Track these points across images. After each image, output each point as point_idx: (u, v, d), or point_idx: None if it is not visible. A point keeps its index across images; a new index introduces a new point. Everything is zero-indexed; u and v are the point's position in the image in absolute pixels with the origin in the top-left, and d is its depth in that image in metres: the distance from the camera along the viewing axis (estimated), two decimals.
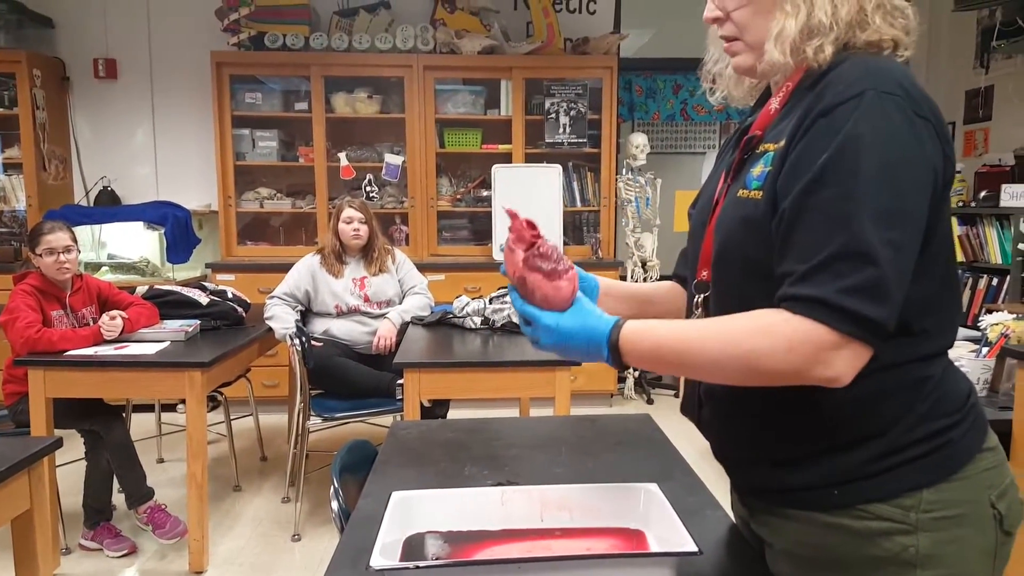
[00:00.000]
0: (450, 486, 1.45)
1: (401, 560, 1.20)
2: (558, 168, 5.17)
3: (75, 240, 3.25)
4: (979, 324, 2.64)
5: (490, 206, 5.27)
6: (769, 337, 0.97)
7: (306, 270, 3.81)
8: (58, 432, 3.02)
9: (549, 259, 1.13)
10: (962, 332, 2.77)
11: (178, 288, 3.73)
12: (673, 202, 5.57)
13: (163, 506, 3.25)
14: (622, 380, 5.55)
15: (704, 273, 1.17)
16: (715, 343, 1.02)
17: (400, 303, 3.89)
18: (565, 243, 5.37)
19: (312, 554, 3.22)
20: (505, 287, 1.21)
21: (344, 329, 3.77)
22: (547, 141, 5.30)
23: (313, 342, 3.59)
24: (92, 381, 3.05)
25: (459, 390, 3.11)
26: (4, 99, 5.10)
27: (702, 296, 1.18)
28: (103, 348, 3.13)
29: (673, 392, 5.70)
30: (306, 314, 3.85)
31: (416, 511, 1.34)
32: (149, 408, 4.50)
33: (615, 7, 5.66)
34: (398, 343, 3.53)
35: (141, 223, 5.04)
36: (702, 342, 1.03)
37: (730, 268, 1.12)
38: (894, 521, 1.04)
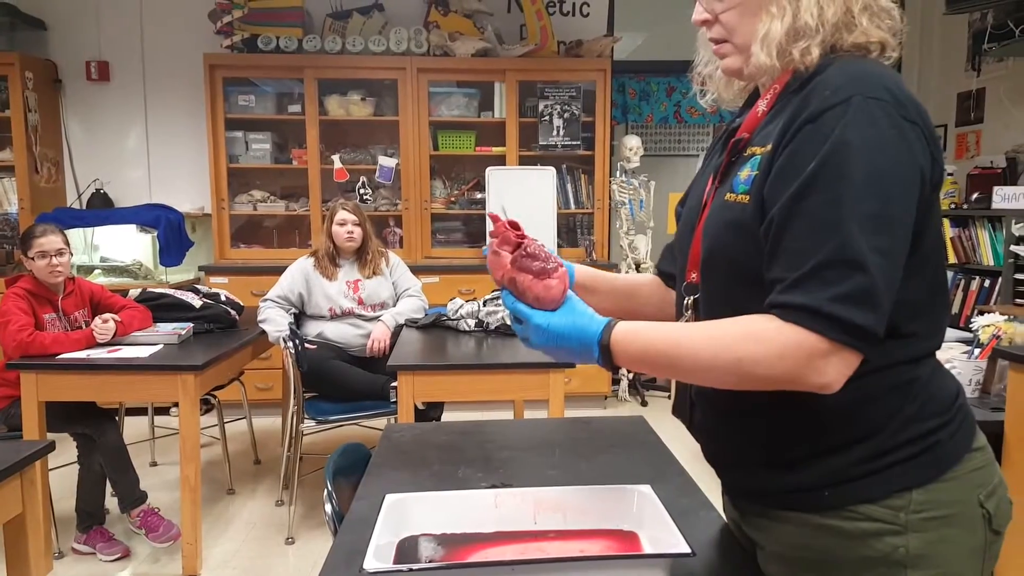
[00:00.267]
0: (444, 488, 1.45)
1: (395, 563, 1.20)
2: (552, 170, 5.17)
3: (67, 243, 3.25)
4: (971, 326, 2.64)
5: (484, 208, 5.27)
6: (761, 344, 0.97)
7: (300, 273, 3.81)
8: (51, 436, 3.01)
9: (538, 259, 1.12)
10: (954, 334, 2.78)
11: (171, 291, 3.72)
12: (667, 204, 5.58)
13: (156, 510, 3.24)
14: (616, 382, 5.56)
15: (693, 275, 1.18)
16: (706, 348, 1.02)
17: (394, 306, 3.89)
18: (559, 245, 5.38)
19: (306, 557, 3.21)
20: (499, 289, 1.19)
21: (338, 332, 3.76)
22: (541, 143, 5.31)
23: (307, 345, 3.58)
24: (85, 384, 3.04)
25: (453, 392, 3.11)
26: None
27: (692, 298, 1.19)
28: (96, 351, 3.13)
29: (667, 394, 5.70)
30: (300, 317, 3.84)
31: (410, 514, 1.34)
32: (142, 411, 4.49)
33: (608, 10, 5.67)
34: (392, 345, 3.53)
35: (134, 226, 5.04)
36: (693, 346, 1.03)
37: (718, 271, 1.12)
38: (884, 522, 1.05)
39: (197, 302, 3.63)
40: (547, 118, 5.28)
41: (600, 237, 5.44)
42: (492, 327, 3.43)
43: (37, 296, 3.17)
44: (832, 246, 0.94)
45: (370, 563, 1.15)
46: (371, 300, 3.83)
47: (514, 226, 1.16)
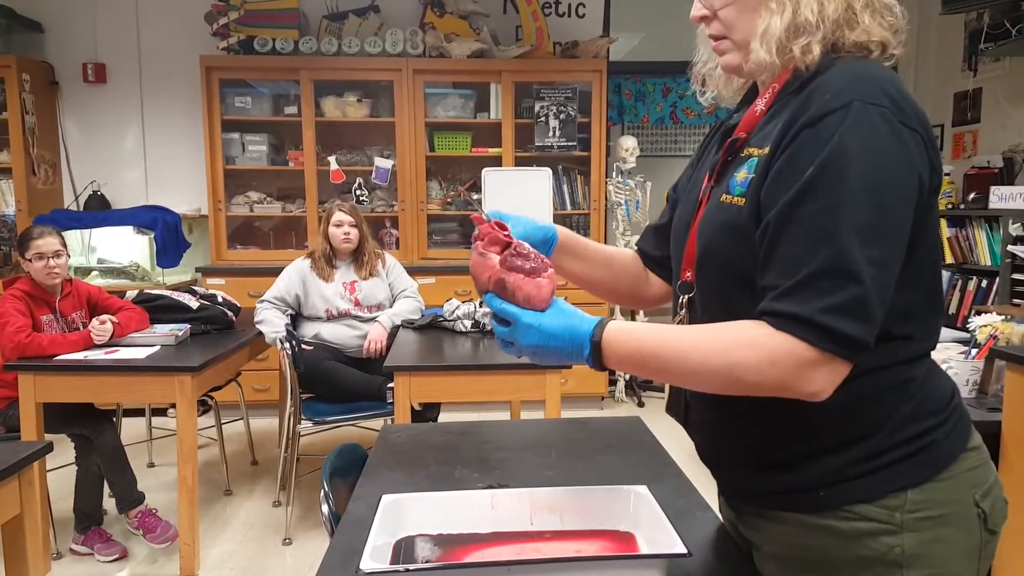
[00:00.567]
0: (440, 489, 1.46)
1: (391, 563, 1.21)
2: (548, 171, 5.16)
3: (64, 245, 3.25)
4: (968, 326, 2.64)
5: (481, 209, 5.26)
6: (752, 350, 0.97)
7: (296, 274, 3.81)
8: (48, 437, 3.01)
9: (528, 258, 1.11)
10: (951, 334, 2.78)
11: (168, 292, 3.72)
12: (663, 205, 5.57)
13: (154, 510, 3.24)
14: (612, 383, 5.56)
15: (688, 274, 1.17)
16: (698, 352, 1.01)
17: (390, 307, 3.89)
18: None
19: (303, 557, 3.21)
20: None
21: (334, 333, 3.76)
22: (537, 144, 5.32)
23: (303, 346, 3.58)
24: (82, 385, 3.04)
25: (449, 393, 3.11)
26: None
27: (686, 297, 1.18)
28: (93, 352, 3.13)
29: (663, 395, 5.69)
30: (296, 318, 3.84)
31: (406, 514, 1.34)
32: (140, 412, 4.49)
33: (604, 11, 5.68)
34: (388, 346, 3.53)
35: (131, 227, 5.04)
36: (684, 350, 1.02)
37: (713, 271, 1.12)
38: (880, 521, 1.05)
39: (194, 303, 3.63)
40: (543, 119, 5.28)
41: (596, 238, 5.43)
42: (488, 328, 3.43)
43: (34, 298, 3.17)
44: (827, 255, 0.94)
45: (367, 563, 1.14)
46: (367, 301, 3.83)
47: (500, 227, 1.15)
